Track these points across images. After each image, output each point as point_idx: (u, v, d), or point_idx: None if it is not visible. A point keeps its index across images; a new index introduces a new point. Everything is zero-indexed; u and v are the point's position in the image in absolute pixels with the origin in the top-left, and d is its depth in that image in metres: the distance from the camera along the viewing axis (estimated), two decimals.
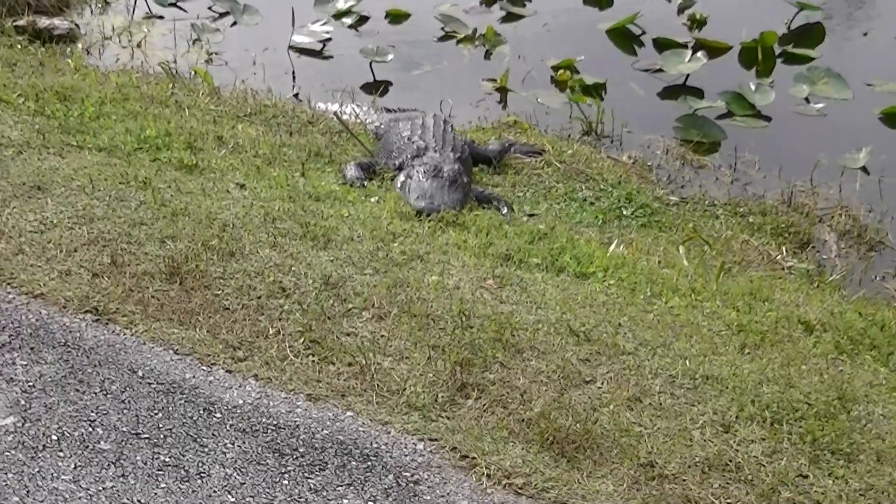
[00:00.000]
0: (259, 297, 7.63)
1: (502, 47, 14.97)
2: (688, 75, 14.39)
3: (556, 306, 8.00)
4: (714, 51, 14.94)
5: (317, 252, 8.31)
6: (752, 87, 13.79)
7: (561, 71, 14.12)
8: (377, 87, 14.02)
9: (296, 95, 13.47)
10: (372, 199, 9.88)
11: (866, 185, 12.31)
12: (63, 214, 8.34)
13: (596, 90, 13.88)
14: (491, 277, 8.37)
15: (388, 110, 12.61)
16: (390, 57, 14.26)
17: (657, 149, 12.91)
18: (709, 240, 10.58)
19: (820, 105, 13.82)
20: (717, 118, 13.59)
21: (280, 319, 7.42)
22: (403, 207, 9.69)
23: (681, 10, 16.11)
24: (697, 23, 15.58)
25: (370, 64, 14.34)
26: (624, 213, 11.07)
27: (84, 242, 8.04)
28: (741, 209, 11.68)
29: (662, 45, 15.08)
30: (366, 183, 10.29)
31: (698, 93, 14.19)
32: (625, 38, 15.45)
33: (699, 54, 14.37)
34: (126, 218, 8.34)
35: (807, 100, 13.99)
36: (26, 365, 6.74)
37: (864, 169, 12.57)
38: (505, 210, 10.24)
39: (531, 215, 10.35)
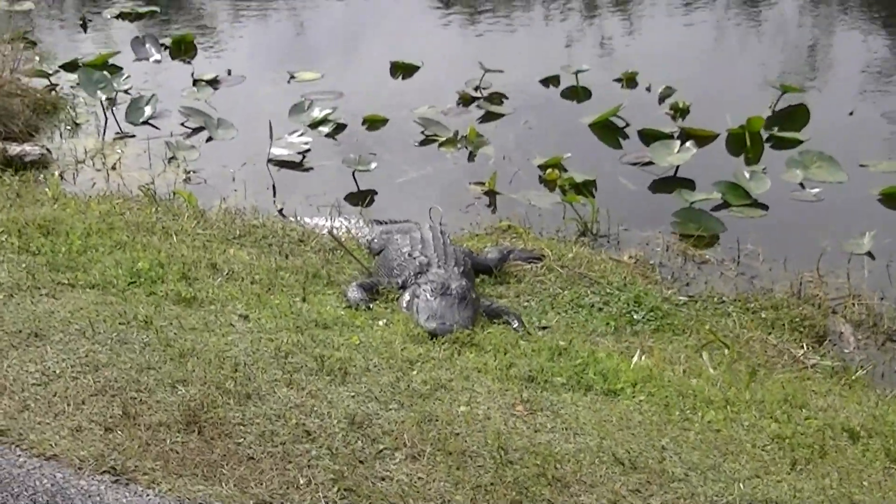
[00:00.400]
0: (283, 443, 7.19)
1: (486, 148, 14.66)
2: (677, 167, 13.86)
3: (592, 431, 7.63)
4: (701, 139, 14.73)
5: (336, 388, 7.89)
6: (747, 176, 13.51)
7: (549, 170, 13.76)
8: (362, 198, 13.67)
9: (280, 211, 13.09)
10: (380, 323, 9.49)
11: (874, 270, 11.96)
12: (65, 363, 7.90)
13: (586, 188, 13.55)
14: (520, 403, 7.98)
15: (379, 222, 12.25)
16: (374, 165, 13.90)
17: (657, 245, 12.59)
18: (726, 341, 10.10)
19: (816, 190, 13.60)
20: (714, 209, 13.28)
21: (309, 467, 6.97)
22: (414, 329, 9.31)
23: (661, 100, 15.93)
24: (681, 111, 15.35)
25: (353, 173, 13.88)
26: (634, 317, 10.68)
27: (91, 393, 7.59)
28: (752, 305, 11.32)
29: (648, 136, 14.82)
30: (370, 304, 9.78)
31: (690, 184, 13.92)
32: (609, 131, 15.20)
33: (688, 144, 14.12)
34: (132, 363, 7.89)
35: (801, 185, 13.71)
36: None
37: (869, 254, 12.10)
38: (516, 324, 9.86)
39: (543, 328, 9.96)
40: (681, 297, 11.33)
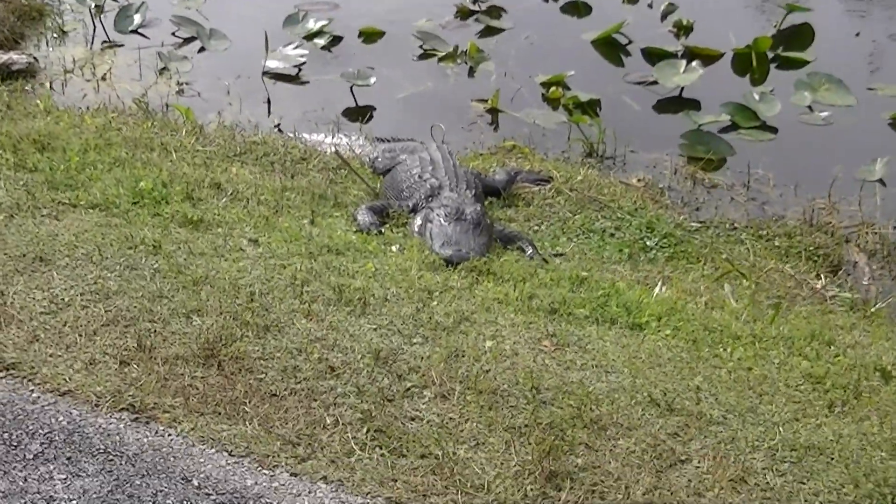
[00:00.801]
0: (307, 380, 6.94)
1: (486, 64, 14.27)
2: (682, 87, 13.53)
3: (623, 368, 7.40)
4: (706, 59, 14.41)
5: (356, 319, 7.62)
6: (756, 98, 13.21)
7: (553, 88, 13.40)
8: (361, 114, 13.28)
9: (277, 126, 12.63)
10: (393, 248, 9.24)
11: (887, 198, 11.62)
12: (74, 290, 7.58)
13: (591, 107, 13.15)
14: (546, 337, 7.61)
15: (382, 140, 11.81)
16: (373, 80, 13.51)
17: (664, 168, 12.34)
18: (744, 271, 9.85)
19: (825, 113, 13.33)
20: (721, 131, 13.00)
21: (335, 405, 6.71)
22: (429, 256, 9.04)
23: (664, 16, 15.53)
24: (684, 29, 15.01)
25: (351, 88, 13.46)
26: (647, 244, 10.40)
27: (103, 323, 7.28)
28: (764, 232, 11.09)
29: (652, 54, 14.49)
30: (381, 229, 9.47)
31: (695, 104, 13.66)
32: (611, 48, 14.85)
33: (694, 64, 13.81)
34: (143, 291, 7.59)
35: (810, 108, 13.41)
36: (66, 479, 5.96)
37: (881, 181, 11.83)
38: (530, 251, 9.59)
39: (558, 255, 9.64)
40: (693, 224, 11.09)
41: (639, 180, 11.83)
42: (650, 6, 15.99)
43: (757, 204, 11.71)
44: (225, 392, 6.77)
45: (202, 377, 6.87)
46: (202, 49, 14.86)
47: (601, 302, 8.46)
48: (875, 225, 11.24)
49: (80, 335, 7.18)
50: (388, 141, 11.80)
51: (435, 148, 10.93)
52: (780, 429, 6.93)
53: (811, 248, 10.86)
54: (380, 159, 11.33)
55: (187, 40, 15.04)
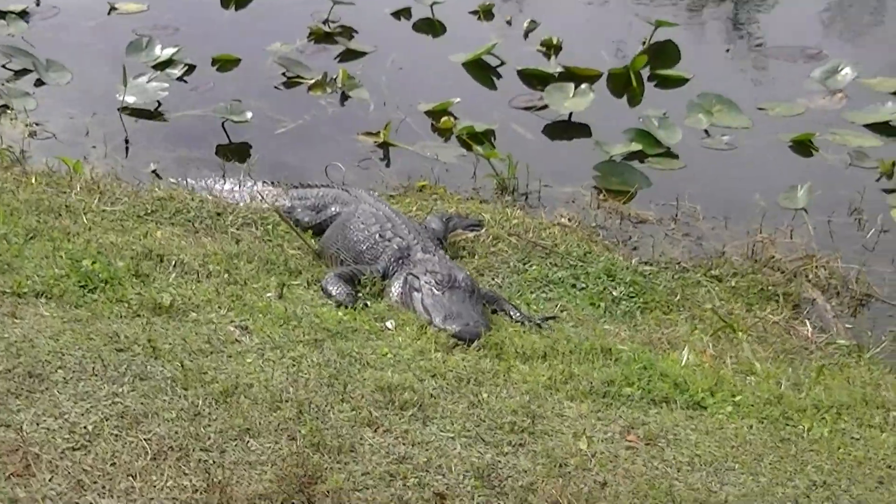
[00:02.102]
0: None
1: (358, 91, 13.35)
2: (570, 112, 12.87)
3: (733, 465, 6.79)
4: (582, 79, 13.60)
5: (423, 426, 6.75)
6: (656, 123, 12.44)
7: (444, 119, 12.43)
8: (237, 153, 12.04)
9: (154, 172, 11.30)
10: (388, 325, 8.17)
11: (818, 227, 11.30)
12: (93, 415, 6.33)
13: (485, 137, 12.22)
14: (626, 431, 6.78)
15: (294, 187, 10.65)
16: (249, 115, 12.21)
17: (583, 203, 11.46)
18: (730, 322, 9.20)
19: (727, 137, 12.78)
20: (626, 159, 12.19)
21: None
22: (431, 332, 8.17)
23: (527, 34, 14.81)
24: (554, 48, 14.30)
25: (223, 124, 12.21)
26: (614, 294, 9.63)
27: (151, 457, 5.94)
28: (716, 272, 10.42)
29: (530, 76, 13.67)
30: (366, 301, 8.53)
31: (585, 130, 13.01)
32: (483, 70, 14.17)
33: (584, 87, 13.13)
34: (174, 409, 6.38)
35: (706, 132, 12.78)
36: None
37: (804, 210, 11.39)
38: (517, 314, 8.77)
39: (549, 318, 8.79)
40: (646, 267, 10.29)
41: (569, 219, 10.97)
42: (509, 23, 15.17)
43: (692, 239, 11.21)
44: None
45: None
46: (40, 82, 13.30)
47: (644, 377, 7.62)
48: (821, 258, 10.64)
49: (132, 476, 5.88)
50: (298, 187, 10.62)
51: (373, 199, 9.92)
52: None
53: (770, 288, 10.25)
54: (299, 210, 10.16)
55: (19, 73, 13.39)
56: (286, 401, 6.69)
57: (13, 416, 6.23)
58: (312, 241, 9.98)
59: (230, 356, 7.22)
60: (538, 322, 8.78)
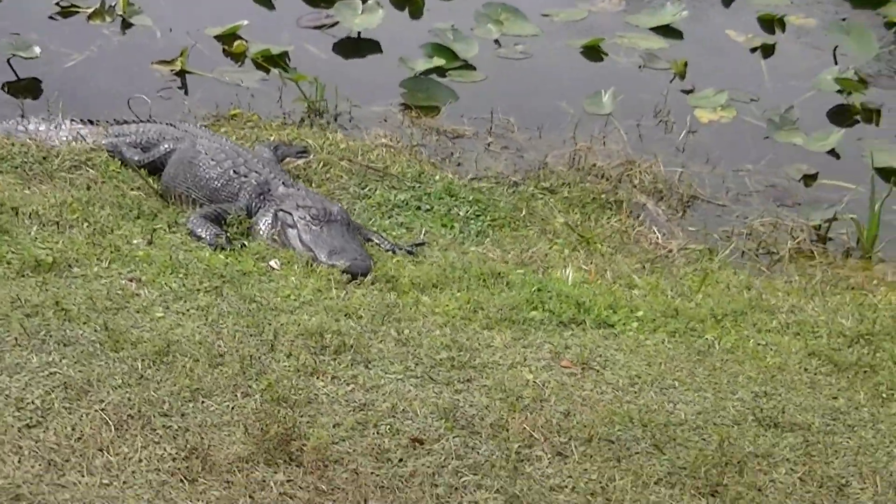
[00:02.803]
0: (403, 461, 5.85)
1: (139, 17, 12.87)
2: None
3: (674, 383, 6.90)
4: None
5: (369, 370, 6.79)
6: (450, 37, 12.51)
7: (238, 42, 12.16)
8: (27, 89, 11.49)
9: None
10: (273, 265, 8.02)
11: (630, 131, 11.52)
12: (34, 388, 6.11)
13: (281, 59, 11.99)
14: (554, 356, 6.89)
15: (112, 123, 10.21)
16: (38, 50, 11.66)
17: (395, 121, 11.43)
18: (584, 234, 9.39)
19: (520, 46, 12.86)
20: (424, 73, 12.13)
21: (465, 490, 5.69)
22: (317, 269, 7.94)
23: None
24: None
25: (8, 60, 11.61)
26: (460, 213, 9.63)
27: (114, 427, 5.81)
28: (547, 184, 10.45)
29: None
30: (231, 240, 8.29)
31: (376, 46, 12.91)
32: None
33: (371, 2, 12.84)
34: (114, 374, 6.16)
35: (497, 42, 12.92)
36: None
37: (610, 115, 11.62)
38: (387, 245, 8.72)
39: (418, 244, 8.84)
40: (480, 184, 10.29)
41: (386, 137, 10.91)
42: None
43: (512, 152, 11.23)
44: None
45: (293, 482, 5.53)
46: None
47: (545, 300, 7.69)
48: (642, 162, 10.86)
49: (102, 450, 5.84)
50: (116, 124, 10.19)
51: (208, 133, 9.61)
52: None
53: (602, 197, 10.35)
54: (123, 148, 9.77)
55: None
56: (221, 355, 6.48)
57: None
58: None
59: (139, 311, 6.96)
60: (408, 249, 8.66)
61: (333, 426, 6.07)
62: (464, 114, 11.72)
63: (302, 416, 6.11)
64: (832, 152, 11.55)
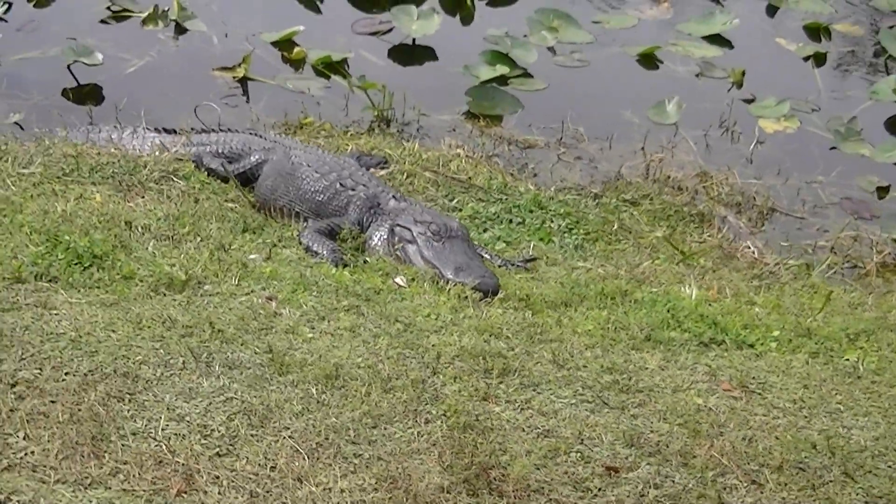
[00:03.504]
0: (603, 490, 5.69)
1: (193, 22, 12.64)
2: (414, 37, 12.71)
3: (838, 407, 6.83)
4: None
5: (538, 394, 6.73)
6: (509, 44, 12.40)
7: (298, 49, 12.05)
8: (90, 96, 11.27)
9: (17, 123, 10.47)
10: (398, 281, 7.88)
11: (699, 142, 11.50)
12: (214, 414, 6.01)
13: (340, 66, 11.92)
14: (708, 378, 6.84)
15: (196, 132, 10.09)
16: (101, 57, 11.44)
17: (464, 131, 11.40)
18: (683, 249, 9.36)
19: (577, 54, 12.81)
20: (484, 84, 12.04)
21: None
22: (443, 286, 7.93)
23: None
24: None
25: (69, 67, 11.40)
26: (553, 227, 9.63)
27: (306, 455, 5.70)
28: (628, 196, 10.42)
29: None
30: (346, 257, 8.29)
31: (430, 52, 12.81)
32: None
33: (426, 7, 12.97)
34: (290, 399, 6.09)
35: (553, 49, 12.81)
36: None
37: (676, 125, 11.63)
38: (499, 260, 8.62)
39: (530, 259, 8.72)
40: (567, 197, 10.24)
41: (464, 149, 10.80)
42: None
43: (585, 162, 11.17)
44: None
45: None
46: None
47: (677, 320, 7.66)
48: (716, 175, 10.86)
49: (301, 480, 5.64)
50: (199, 133, 10.07)
51: (300, 144, 9.54)
52: None
53: (685, 209, 10.35)
54: (206, 159, 9.65)
55: None
56: (390, 379, 6.36)
57: (133, 424, 5.68)
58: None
59: (288, 332, 6.86)
60: (520, 264, 8.57)
61: (525, 454, 5.88)
62: (530, 123, 11.64)
63: (490, 444, 5.89)
64: None
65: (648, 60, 12.97)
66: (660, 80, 12.69)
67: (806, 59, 13.26)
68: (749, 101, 12.30)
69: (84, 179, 9.11)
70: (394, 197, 8.79)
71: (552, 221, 9.72)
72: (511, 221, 9.68)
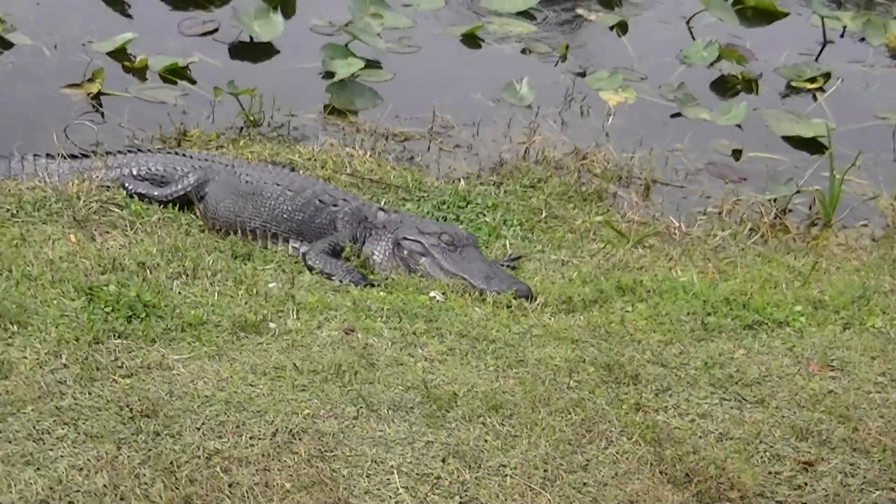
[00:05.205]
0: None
1: (15, 35, 12.08)
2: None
3: None
4: None
5: (694, 401, 6.90)
6: (345, 37, 12.46)
7: (141, 57, 11.70)
8: None
9: None
10: (433, 295, 7.99)
11: (555, 119, 11.90)
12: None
13: (184, 72, 11.72)
14: (801, 360, 7.30)
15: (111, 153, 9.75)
16: None
17: (335, 129, 11.42)
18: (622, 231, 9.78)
19: (407, 39, 13.04)
20: (324, 77, 12.12)
21: None
22: (475, 295, 8.17)
23: None
24: None
25: None
26: (487, 220, 9.88)
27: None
28: (524, 181, 10.70)
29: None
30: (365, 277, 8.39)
31: (268, 48, 12.58)
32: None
33: (259, 5, 12.64)
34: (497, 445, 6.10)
35: (379, 35, 12.82)
36: None
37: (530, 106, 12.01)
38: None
39: (515, 258, 9.00)
40: (478, 187, 10.44)
41: (353, 147, 10.87)
42: None
43: (465, 150, 11.32)
44: None
45: None
46: None
47: (712, 306, 8.10)
48: (594, 152, 11.23)
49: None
50: (111, 154, 9.75)
51: (233, 160, 9.41)
52: None
53: (581, 190, 10.71)
54: (129, 184, 9.34)
55: None
56: (545, 401, 6.53)
57: (360, 483, 5.87)
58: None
59: (401, 364, 7.01)
60: (509, 264, 8.76)
61: (724, 459, 6.14)
62: (395, 114, 11.55)
63: (688, 454, 6.12)
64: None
65: (472, 40, 13.12)
66: (492, 59, 12.94)
67: (611, 28, 13.52)
68: (581, 75, 12.52)
69: (34, 219, 8.53)
70: (380, 209, 8.73)
71: (485, 215, 9.72)
72: (446, 219, 9.61)
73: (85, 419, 5.90)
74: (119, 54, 11.96)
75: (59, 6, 12.78)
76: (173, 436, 5.83)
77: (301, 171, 10.03)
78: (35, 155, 9.71)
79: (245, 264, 8.29)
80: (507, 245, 9.16)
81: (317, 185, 8.90)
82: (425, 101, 11.84)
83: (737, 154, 11.75)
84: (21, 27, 12.14)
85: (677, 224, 10.11)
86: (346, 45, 12.41)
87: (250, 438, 5.87)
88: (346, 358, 6.62)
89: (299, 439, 5.87)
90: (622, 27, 13.74)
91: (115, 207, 9.11)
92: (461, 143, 11.42)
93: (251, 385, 6.29)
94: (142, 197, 9.21)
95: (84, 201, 9.08)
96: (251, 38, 12.49)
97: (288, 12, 13.16)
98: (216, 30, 12.68)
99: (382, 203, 9.55)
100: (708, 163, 11.54)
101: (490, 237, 9.48)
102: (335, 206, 8.72)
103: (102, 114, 11.21)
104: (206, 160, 9.33)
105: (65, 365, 6.32)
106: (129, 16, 12.92)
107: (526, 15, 13.76)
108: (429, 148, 11.35)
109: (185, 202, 9.22)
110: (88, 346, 6.53)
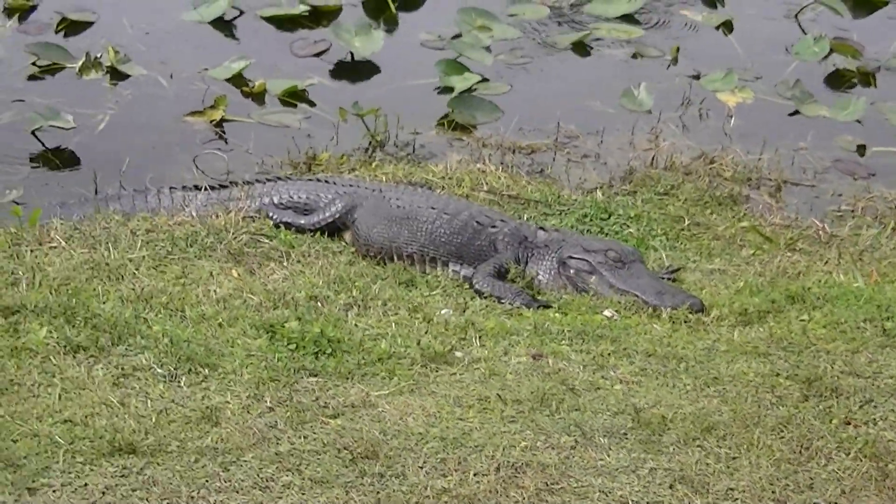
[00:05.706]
0: None
1: (130, 66, 12.06)
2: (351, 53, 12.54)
3: None
4: (327, 14, 13.17)
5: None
6: (457, 52, 12.37)
7: (259, 82, 11.70)
8: (68, 161, 10.64)
9: (14, 202, 9.85)
10: (606, 314, 7.93)
11: (676, 123, 11.82)
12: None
13: (303, 93, 11.71)
14: None
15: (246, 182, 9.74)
16: (71, 119, 10.82)
17: (459, 144, 11.30)
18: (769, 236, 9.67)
19: (516, 51, 12.96)
20: (440, 92, 12.07)
21: None
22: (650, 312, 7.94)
23: None
24: None
25: (33, 132, 10.74)
26: (632, 232, 9.79)
27: None
28: (659, 188, 10.60)
29: (280, 20, 12.94)
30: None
31: (372, 67, 12.54)
32: (222, 24, 12.98)
33: (363, 21, 12.72)
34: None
35: (488, 49, 12.77)
36: None
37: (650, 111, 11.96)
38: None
39: (674, 271, 8.90)
40: (618, 199, 10.39)
41: (483, 163, 10.80)
42: None
43: (592, 159, 11.19)
44: None
45: None
46: None
47: (888, 311, 7.94)
48: (721, 156, 11.14)
49: None
50: (251, 184, 9.71)
51: (381, 184, 9.36)
52: None
53: (715, 194, 10.60)
54: (273, 213, 9.30)
55: None
56: (756, 422, 6.45)
57: None
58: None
59: (599, 389, 7.03)
60: (667, 276, 8.71)
61: None
62: (516, 126, 11.53)
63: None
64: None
65: (581, 48, 12.99)
66: (603, 66, 12.84)
67: (717, 27, 13.42)
68: (696, 77, 12.41)
69: (189, 254, 8.49)
70: (540, 228, 8.70)
71: (629, 226, 9.66)
72: (590, 231, 9.55)
73: (307, 464, 5.85)
74: (236, 80, 11.87)
75: (168, 35, 12.70)
76: (398, 476, 5.77)
77: (438, 191, 9.86)
78: (171, 188, 9.54)
79: (411, 291, 8.12)
80: (664, 257, 8.94)
81: (472, 207, 8.85)
82: (544, 112, 11.80)
83: (861, 150, 11.54)
84: (135, 58, 11.96)
85: (820, 225, 9.84)
86: (457, 59, 12.12)
87: (475, 475, 5.81)
88: (544, 385, 6.50)
89: (524, 473, 5.81)
90: (728, 26, 13.57)
91: (265, 238, 8.99)
92: (588, 153, 11.27)
93: (461, 419, 6.24)
94: (288, 226, 9.10)
95: (233, 234, 8.86)
96: (351, 54, 12.28)
97: (390, 27, 12.91)
98: (327, 49, 12.44)
99: (525, 219, 9.40)
100: (835, 160, 11.43)
101: (639, 247, 9.25)
102: (493, 227, 8.66)
103: (226, 140, 11.00)
104: (351, 185, 9.25)
105: (270, 408, 6.22)
106: (237, 38, 12.72)
107: (630, 19, 13.48)
108: (554, 159, 11.11)
109: (333, 230, 9.06)
110: (288, 387, 6.42)
